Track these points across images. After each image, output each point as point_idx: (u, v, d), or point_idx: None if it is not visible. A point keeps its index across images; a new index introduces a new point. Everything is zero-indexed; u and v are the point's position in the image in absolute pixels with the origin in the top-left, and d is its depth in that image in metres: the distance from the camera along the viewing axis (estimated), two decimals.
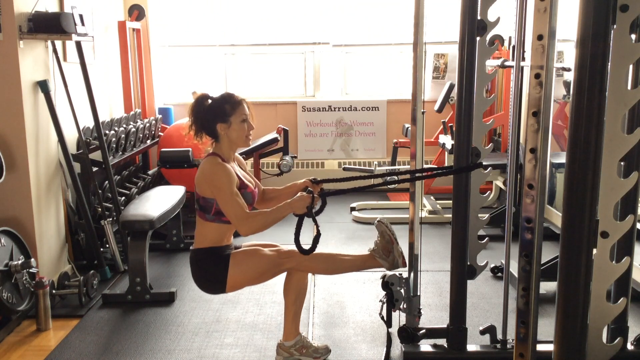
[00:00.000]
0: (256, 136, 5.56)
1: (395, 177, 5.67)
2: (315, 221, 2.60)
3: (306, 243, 2.63)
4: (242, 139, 2.69)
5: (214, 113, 2.65)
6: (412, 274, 2.96)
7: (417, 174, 2.93)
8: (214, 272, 2.69)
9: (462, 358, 2.88)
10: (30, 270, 3.36)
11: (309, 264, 2.75)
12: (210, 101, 2.69)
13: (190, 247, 2.78)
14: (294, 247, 2.64)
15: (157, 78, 6.06)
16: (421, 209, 5.14)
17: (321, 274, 2.90)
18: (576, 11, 1.80)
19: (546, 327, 2.83)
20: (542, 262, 2.11)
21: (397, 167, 5.73)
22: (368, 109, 6.33)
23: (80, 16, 3.92)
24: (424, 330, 2.93)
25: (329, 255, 2.83)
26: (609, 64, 1.83)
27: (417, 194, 2.97)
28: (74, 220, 4.13)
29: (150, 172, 5.50)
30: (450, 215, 2.85)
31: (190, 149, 4.66)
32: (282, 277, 2.87)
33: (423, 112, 2.89)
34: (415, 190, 2.97)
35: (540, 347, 2.02)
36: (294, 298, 2.84)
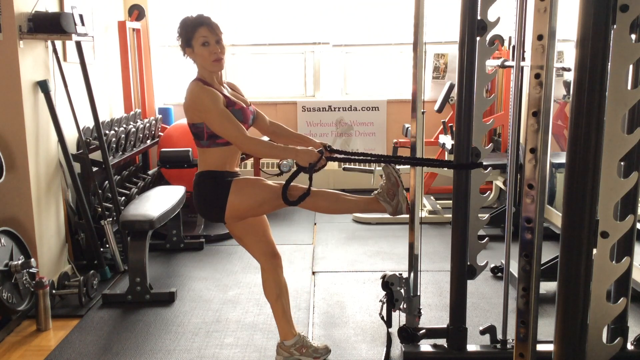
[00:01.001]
0: (256, 136, 5.58)
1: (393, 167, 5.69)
2: (311, 178, 2.57)
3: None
4: (207, 63, 2.61)
5: (182, 37, 2.63)
6: (412, 274, 2.96)
7: (418, 161, 2.90)
8: (215, 196, 2.63)
9: (462, 358, 2.88)
10: (30, 270, 3.36)
11: (311, 200, 2.65)
12: (182, 23, 2.66)
13: (195, 174, 2.73)
14: (296, 184, 2.60)
15: (157, 78, 6.06)
16: (421, 209, 5.15)
17: (323, 212, 2.82)
18: (576, 11, 1.80)
19: (546, 327, 2.83)
20: (542, 262, 2.11)
21: (397, 167, 5.72)
22: (368, 109, 6.33)
23: (80, 16, 3.92)
24: (424, 330, 2.93)
25: (333, 193, 2.75)
26: (609, 64, 1.83)
27: (417, 194, 2.97)
28: (74, 220, 4.13)
29: (150, 172, 5.50)
30: (450, 215, 2.85)
31: (190, 149, 4.66)
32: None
33: (423, 112, 2.89)
34: (416, 190, 2.96)
35: (540, 347, 2.02)
36: (275, 296, 2.83)
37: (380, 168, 5.65)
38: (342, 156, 2.80)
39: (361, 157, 2.82)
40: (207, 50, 2.60)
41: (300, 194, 2.60)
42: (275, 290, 2.82)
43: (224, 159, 2.66)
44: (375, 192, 2.74)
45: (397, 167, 2.75)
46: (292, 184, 2.59)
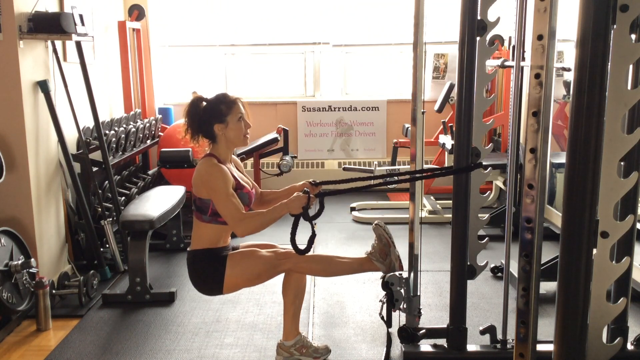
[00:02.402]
0: (256, 136, 5.58)
1: (395, 178, 5.70)
2: (310, 222, 2.60)
3: (302, 243, 2.64)
4: (240, 138, 2.69)
5: (210, 114, 2.65)
6: (412, 274, 2.96)
7: (416, 175, 2.93)
8: (211, 274, 2.69)
9: (462, 358, 2.88)
10: (30, 270, 3.36)
11: (306, 265, 2.75)
12: (205, 103, 2.69)
13: (187, 249, 2.78)
14: (291, 248, 2.64)
15: (157, 78, 6.06)
16: (421, 209, 5.15)
17: (318, 275, 2.92)
18: (576, 11, 1.80)
19: (546, 327, 2.83)
20: (542, 262, 2.11)
21: (397, 167, 5.73)
22: (368, 109, 6.34)
23: (80, 16, 3.92)
24: (424, 330, 2.93)
25: (326, 257, 2.85)
26: (609, 64, 1.83)
27: (417, 194, 2.97)
28: (74, 220, 4.13)
29: (150, 172, 5.50)
30: (450, 215, 2.85)
31: (190, 149, 4.66)
32: (281, 277, 2.87)
33: (423, 112, 2.89)
34: (415, 190, 2.97)
35: (540, 347, 2.02)
36: (293, 298, 2.84)
37: (380, 167, 5.66)
38: (330, 190, 2.87)
39: (345, 185, 2.89)
40: (242, 125, 2.68)
41: (307, 239, 2.64)
42: (294, 291, 2.85)
43: (219, 236, 2.71)
44: (368, 252, 2.83)
45: (388, 234, 2.80)
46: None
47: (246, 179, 2.82)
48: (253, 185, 2.84)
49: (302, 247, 2.63)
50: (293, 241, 2.61)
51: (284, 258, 2.73)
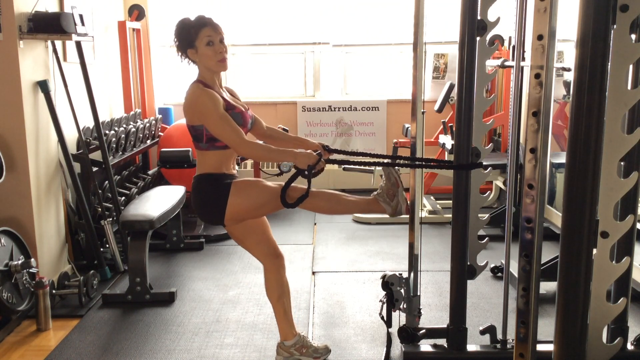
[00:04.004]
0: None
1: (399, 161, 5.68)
2: (309, 181, 2.55)
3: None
4: (212, 63, 2.61)
5: (182, 39, 2.61)
6: (412, 274, 2.96)
7: (416, 162, 2.90)
8: (214, 198, 2.62)
9: (462, 358, 2.88)
10: (30, 270, 3.36)
11: (311, 200, 2.64)
12: (182, 25, 2.65)
13: (193, 176, 2.72)
14: (296, 185, 2.59)
15: (157, 78, 6.06)
16: (421, 209, 5.15)
17: (322, 212, 2.81)
18: (576, 11, 1.80)
19: (546, 327, 2.83)
20: (542, 262, 2.11)
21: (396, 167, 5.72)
22: (368, 109, 6.33)
23: (80, 16, 3.92)
24: (424, 330, 2.93)
25: (333, 194, 2.74)
26: (609, 64, 1.83)
27: (417, 194, 2.97)
28: (74, 220, 4.13)
29: (150, 172, 5.50)
30: (450, 215, 2.85)
31: (190, 149, 4.65)
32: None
33: (423, 112, 2.89)
34: (415, 190, 2.96)
35: (540, 347, 2.02)
36: (277, 296, 2.82)
37: (380, 168, 5.66)
38: (341, 158, 2.77)
39: (360, 158, 2.81)
40: (212, 50, 2.60)
41: (299, 195, 2.58)
42: (278, 290, 2.82)
43: (221, 162, 2.65)
44: (375, 192, 2.73)
45: (398, 168, 2.74)
46: (292, 185, 2.58)
47: (240, 102, 2.75)
48: (248, 108, 2.76)
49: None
50: (284, 192, 2.54)
51: (290, 191, 2.61)
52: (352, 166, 5.71)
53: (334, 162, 2.68)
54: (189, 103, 2.59)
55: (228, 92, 2.78)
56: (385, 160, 2.98)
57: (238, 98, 2.83)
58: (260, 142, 2.70)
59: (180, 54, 2.68)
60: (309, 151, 2.57)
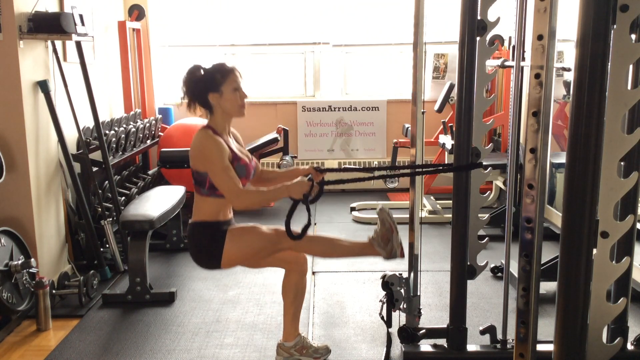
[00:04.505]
0: (256, 136, 5.59)
1: (396, 179, 5.67)
2: (308, 209, 2.56)
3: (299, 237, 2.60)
4: (235, 108, 2.64)
5: (205, 83, 2.61)
6: (412, 274, 2.96)
7: (417, 170, 2.92)
8: (210, 247, 2.64)
9: (462, 358, 2.88)
10: (30, 270, 3.36)
11: (306, 245, 2.69)
12: (202, 71, 2.65)
13: (189, 221, 2.74)
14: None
15: (157, 78, 6.06)
16: (421, 209, 5.14)
17: (318, 256, 2.86)
18: (576, 11, 1.80)
19: (546, 327, 2.83)
20: (542, 262, 2.11)
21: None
22: (368, 109, 6.34)
23: (80, 16, 3.92)
24: (424, 330, 2.93)
25: (328, 239, 2.78)
26: (609, 64, 1.83)
27: (417, 194, 2.97)
28: (74, 220, 4.13)
29: (150, 172, 5.50)
30: (450, 215, 2.85)
31: (190, 149, 4.65)
32: (281, 277, 2.87)
33: (423, 112, 2.89)
34: (415, 190, 2.97)
35: (540, 347, 2.02)
36: (292, 298, 2.83)
37: (379, 171, 5.66)
38: (334, 180, 2.79)
39: (354, 176, 2.83)
40: (238, 96, 2.63)
41: (303, 226, 2.60)
42: (294, 292, 2.83)
43: (218, 209, 2.67)
44: (370, 236, 2.75)
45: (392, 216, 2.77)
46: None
47: (245, 152, 2.77)
48: (252, 159, 2.78)
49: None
50: (288, 225, 2.55)
51: (284, 236, 2.63)
52: (351, 167, 5.73)
53: (327, 182, 2.69)
54: (196, 149, 2.61)
55: (234, 137, 2.79)
56: (382, 172, 2.99)
57: (241, 143, 2.84)
58: (253, 188, 2.71)
59: (191, 98, 2.66)
60: (299, 179, 2.59)
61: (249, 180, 2.74)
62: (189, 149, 4.65)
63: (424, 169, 2.93)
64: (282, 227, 2.73)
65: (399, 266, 4.03)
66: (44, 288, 3.29)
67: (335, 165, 6.34)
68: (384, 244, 2.70)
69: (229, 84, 2.61)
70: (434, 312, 3.44)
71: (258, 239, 2.67)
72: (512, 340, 2.60)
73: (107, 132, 4.33)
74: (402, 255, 2.75)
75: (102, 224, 4.06)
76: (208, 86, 2.60)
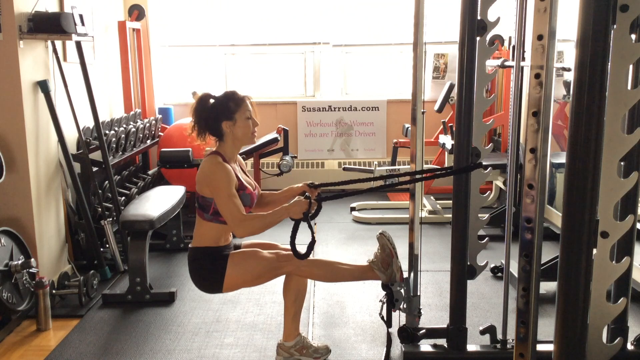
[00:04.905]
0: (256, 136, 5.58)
1: (396, 180, 5.68)
2: (310, 227, 2.60)
3: (303, 245, 2.64)
4: (248, 136, 2.70)
5: (218, 111, 2.65)
6: (412, 274, 2.96)
7: (416, 176, 2.93)
8: (211, 272, 2.69)
9: (462, 358, 2.88)
10: (30, 270, 3.36)
11: (307, 269, 2.74)
12: (212, 100, 2.68)
13: (189, 245, 2.78)
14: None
15: (157, 78, 6.06)
16: (421, 209, 5.14)
17: (319, 280, 2.92)
18: (576, 11, 1.80)
19: (546, 327, 2.83)
20: (542, 262, 2.11)
21: (397, 167, 5.73)
22: (368, 109, 6.34)
23: (80, 16, 3.92)
24: (424, 330, 2.93)
25: (329, 262, 2.83)
26: (609, 64, 1.83)
27: (417, 194, 2.97)
28: (74, 220, 4.13)
29: (150, 172, 5.50)
30: (450, 215, 2.85)
31: (190, 149, 4.66)
32: (282, 277, 2.87)
33: (423, 112, 2.89)
34: (415, 190, 2.96)
35: (540, 347, 2.02)
36: (294, 299, 2.84)
37: (380, 167, 5.66)
38: (331, 194, 2.82)
39: (347, 188, 2.85)
40: (251, 123, 2.69)
41: (307, 244, 2.63)
42: (295, 292, 2.84)
43: (220, 235, 2.71)
44: (370, 260, 2.80)
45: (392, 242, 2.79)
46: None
47: (249, 180, 2.82)
48: (255, 187, 2.84)
49: (302, 251, 2.63)
50: (293, 245, 2.61)
51: (285, 260, 2.71)
52: (351, 166, 5.73)
53: (324, 198, 2.70)
54: (204, 174, 2.63)
55: (238, 163, 2.82)
56: (380, 183, 3.01)
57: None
58: (254, 214, 2.72)
59: (202, 127, 2.68)
60: (296, 199, 2.62)
61: (252, 208, 2.77)
62: (189, 149, 4.67)
63: (423, 175, 2.94)
64: (283, 251, 2.76)
65: None
66: (44, 288, 3.29)
67: (335, 165, 6.35)
68: (384, 268, 2.77)
69: (242, 112, 2.67)
70: (434, 312, 3.44)
71: (260, 264, 2.70)
72: (512, 340, 2.60)
73: (107, 132, 4.33)
74: (402, 280, 2.80)
75: (102, 224, 4.06)
76: (221, 114, 2.65)
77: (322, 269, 2.79)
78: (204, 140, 2.71)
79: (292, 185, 2.88)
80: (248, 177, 2.84)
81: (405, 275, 2.94)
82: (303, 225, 2.60)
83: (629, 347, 2.75)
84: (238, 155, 2.83)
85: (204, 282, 2.75)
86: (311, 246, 2.63)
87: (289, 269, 2.73)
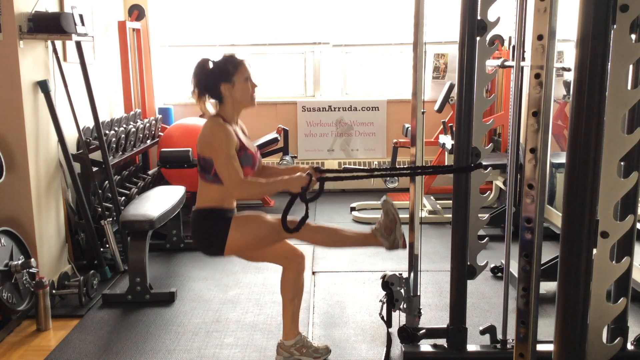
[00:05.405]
0: (256, 136, 5.58)
1: (396, 178, 5.67)
2: (306, 203, 2.57)
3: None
4: (247, 98, 2.71)
5: (217, 74, 2.65)
6: (412, 274, 2.96)
7: (417, 171, 2.92)
8: (214, 233, 2.65)
9: (462, 358, 2.88)
10: (30, 270, 3.36)
11: (309, 234, 2.70)
12: (211, 64, 2.68)
13: (192, 208, 2.76)
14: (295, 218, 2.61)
15: (157, 78, 6.06)
16: (421, 209, 5.14)
17: (320, 245, 2.89)
18: (576, 11, 1.80)
19: (546, 327, 2.83)
20: (542, 262, 2.11)
21: (397, 167, 5.72)
22: (368, 109, 6.33)
23: (80, 16, 3.92)
24: (424, 330, 2.93)
25: (331, 228, 2.80)
26: (609, 64, 1.83)
27: (417, 194, 2.97)
28: (74, 220, 4.13)
29: (150, 172, 5.50)
30: (450, 215, 2.85)
31: (190, 149, 4.65)
32: (280, 276, 2.87)
33: (423, 112, 2.89)
34: (415, 190, 2.96)
35: (540, 347, 2.02)
36: (292, 296, 2.84)
37: (380, 166, 5.66)
38: (333, 170, 2.82)
39: (354, 169, 2.84)
40: (249, 86, 2.70)
41: (299, 218, 2.60)
42: (293, 290, 2.84)
43: (223, 197, 2.68)
44: (373, 227, 2.77)
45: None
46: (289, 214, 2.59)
47: (251, 143, 2.80)
48: (257, 151, 2.82)
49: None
50: (284, 218, 2.57)
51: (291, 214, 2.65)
52: (352, 167, 5.73)
53: (325, 179, 2.69)
54: (205, 135, 2.63)
55: (240, 128, 2.81)
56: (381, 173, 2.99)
57: (246, 134, 2.86)
58: (254, 179, 2.72)
59: (201, 90, 2.68)
60: (298, 174, 2.60)
61: (254, 170, 2.75)
62: (189, 149, 4.68)
63: (424, 170, 2.93)
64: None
65: (399, 266, 4.03)
66: (44, 288, 3.29)
67: (335, 165, 6.34)
68: (387, 234, 2.72)
69: (240, 74, 2.67)
70: (434, 312, 3.44)
71: (262, 227, 2.68)
72: (512, 340, 2.60)
73: (107, 132, 4.33)
74: (405, 246, 2.76)
75: (102, 224, 4.06)
76: (220, 77, 2.65)
77: (324, 234, 2.77)
78: (203, 103, 2.70)
79: (299, 165, 2.87)
80: (249, 140, 2.82)
81: (405, 275, 2.94)
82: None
83: (629, 347, 2.75)
84: (240, 121, 2.81)
85: (205, 243, 2.72)
86: (302, 221, 2.59)
87: (296, 220, 2.65)
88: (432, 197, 5.64)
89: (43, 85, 3.72)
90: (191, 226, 2.74)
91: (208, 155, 2.62)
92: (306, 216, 2.59)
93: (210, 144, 2.61)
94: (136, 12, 5.65)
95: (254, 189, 2.62)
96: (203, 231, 2.70)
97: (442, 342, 2.92)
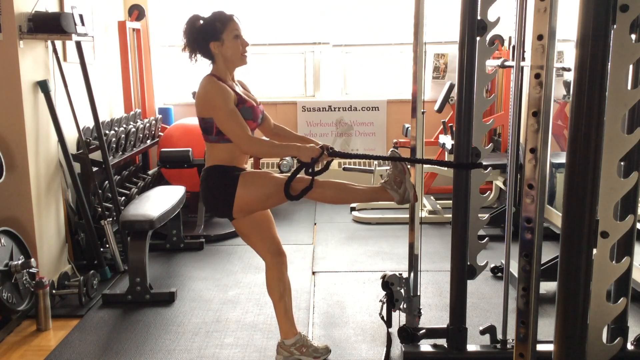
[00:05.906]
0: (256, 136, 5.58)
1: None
2: (312, 175, 2.57)
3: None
4: (237, 56, 2.64)
5: (206, 32, 2.61)
6: (412, 274, 2.96)
7: (417, 158, 2.89)
8: (223, 190, 2.63)
9: (462, 358, 2.88)
10: (30, 270, 3.36)
11: (318, 190, 2.64)
12: (201, 21, 2.64)
13: (203, 168, 2.73)
14: (304, 176, 2.60)
15: (157, 78, 6.06)
16: (421, 209, 5.14)
17: (329, 202, 2.81)
18: (576, 11, 1.80)
19: (546, 327, 2.83)
20: (542, 262, 2.11)
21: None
22: (368, 109, 6.33)
23: (80, 16, 3.92)
24: (424, 330, 2.93)
25: (340, 183, 2.73)
26: (609, 64, 1.83)
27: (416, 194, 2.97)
28: (74, 220, 4.13)
29: (150, 172, 5.50)
30: (450, 215, 2.85)
31: (190, 149, 4.66)
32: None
33: (423, 112, 2.88)
34: (416, 190, 2.96)
35: (540, 347, 2.02)
36: (279, 295, 2.83)
37: (381, 167, 5.66)
38: (344, 152, 2.78)
39: (363, 155, 2.82)
40: (239, 43, 2.63)
41: (302, 187, 2.58)
42: (279, 288, 2.83)
43: (232, 155, 2.66)
44: (382, 180, 2.71)
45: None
46: (297, 177, 2.59)
47: (252, 96, 2.77)
48: (259, 104, 2.78)
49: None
50: (288, 186, 2.56)
51: (296, 183, 2.61)
52: (352, 166, 5.72)
53: (337, 154, 2.65)
54: (200, 96, 2.61)
55: (241, 85, 2.79)
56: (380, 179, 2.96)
57: (249, 91, 2.84)
58: (266, 138, 2.71)
59: (192, 49, 2.66)
60: (311, 145, 2.60)
61: (257, 123, 2.73)
62: (189, 149, 4.68)
63: (425, 161, 2.90)
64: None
65: (399, 266, 4.04)
66: (44, 288, 3.29)
67: (335, 165, 6.34)
68: (396, 186, 2.66)
69: (229, 31, 2.61)
70: (434, 312, 3.44)
71: (270, 183, 2.64)
72: (512, 340, 2.60)
73: (107, 132, 4.33)
74: (415, 199, 2.71)
75: (102, 224, 4.06)
76: (209, 35, 2.60)
77: (333, 189, 2.69)
78: (195, 61, 2.68)
79: (314, 139, 2.83)
80: (250, 94, 2.79)
81: (405, 275, 2.94)
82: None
83: (629, 347, 2.75)
84: (241, 80, 2.78)
85: (215, 201, 2.69)
86: (305, 191, 2.57)
87: (300, 188, 2.62)
88: (432, 197, 5.64)
89: (43, 85, 3.72)
90: (200, 185, 2.71)
91: (207, 115, 2.59)
92: (310, 186, 2.58)
93: (206, 103, 2.57)
94: (136, 12, 5.65)
95: (263, 147, 2.61)
96: (212, 189, 2.66)
97: (442, 342, 2.92)
